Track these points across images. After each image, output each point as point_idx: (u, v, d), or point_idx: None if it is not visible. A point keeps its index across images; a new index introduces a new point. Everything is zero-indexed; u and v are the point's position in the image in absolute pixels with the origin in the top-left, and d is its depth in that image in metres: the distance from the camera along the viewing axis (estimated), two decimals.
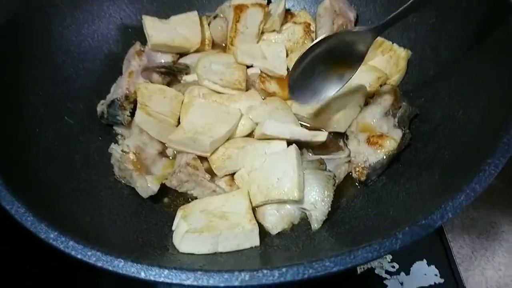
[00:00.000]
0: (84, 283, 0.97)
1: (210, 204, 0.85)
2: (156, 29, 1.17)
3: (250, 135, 1.01)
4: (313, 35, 1.19)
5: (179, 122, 1.02)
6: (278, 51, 1.15)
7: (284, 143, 0.94)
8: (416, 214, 0.66)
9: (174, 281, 0.58)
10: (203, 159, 0.95)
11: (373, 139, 0.90)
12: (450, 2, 0.95)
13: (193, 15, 1.22)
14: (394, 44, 1.07)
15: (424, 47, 1.02)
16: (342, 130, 0.99)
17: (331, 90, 0.91)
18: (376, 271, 0.97)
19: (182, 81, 1.15)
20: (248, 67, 1.13)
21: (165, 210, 0.93)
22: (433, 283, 0.95)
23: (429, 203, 0.70)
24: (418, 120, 0.96)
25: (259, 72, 1.11)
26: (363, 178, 0.89)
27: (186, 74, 1.16)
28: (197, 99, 1.04)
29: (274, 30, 1.21)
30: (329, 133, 1.00)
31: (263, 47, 1.17)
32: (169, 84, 1.15)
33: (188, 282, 0.58)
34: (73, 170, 0.91)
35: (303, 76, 0.89)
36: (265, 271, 0.57)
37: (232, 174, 0.95)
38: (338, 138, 1.00)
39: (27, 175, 0.80)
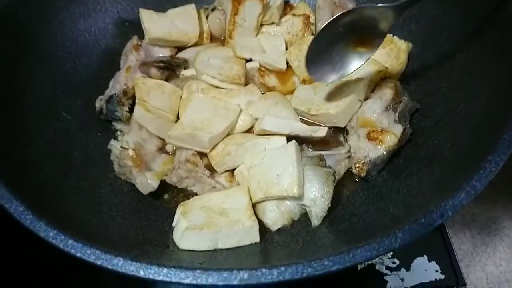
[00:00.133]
0: (83, 281, 0.97)
1: (210, 200, 0.85)
2: (154, 22, 1.16)
3: (250, 130, 1.01)
4: (312, 27, 1.18)
5: (178, 118, 1.02)
6: (277, 44, 1.14)
7: (284, 138, 0.94)
8: (416, 211, 0.66)
9: (173, 280, 0.58)
10: (203, 155, 0.95)
11: (374, 134, 0.90)
12: None
13: (191, 8, 1.21)
14: (395, 36, 1.06)
15: (425, 40, 1.01)
16: (342, 125, 0.98)
17: (349, 69, 0.89)
18: (376, 267, 0.98)
19: (180, 76, 1.14)
20: (247, 61, 1.11)
21: (165, 207, 0.93)
22: (433, 279, 0.95)
23: (429, 200, 0.70)
24: (419, 114, 0.95)
25: (258, 66, 1.10)
26: (363, 174, 0.89)
27: (185, 68, 1.15)
28: (196, 94, 1.03)
29: (273, 23, 1.19)
30: (329, 128, 0.99)
31: (262, 40, 1.16)
32: (167, 79, 1.15)
33: (187, 281, 0.58)
34: (72, 167, 0.91)
35: (322, 52, 0.87)
36: (264, 270, 0.57)
37: (232, 170, 0.95)
38: (338, 133, 0.99)
39: (26, 173, 0.80)
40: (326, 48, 0.87)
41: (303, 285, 0.78)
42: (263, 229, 0.84)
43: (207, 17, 1.25)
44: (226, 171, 0.95)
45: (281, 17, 1.20)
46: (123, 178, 0.94)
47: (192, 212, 0.82)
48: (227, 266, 0.72)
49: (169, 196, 0.96)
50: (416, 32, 1.03)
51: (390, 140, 0.88)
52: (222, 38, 1.24)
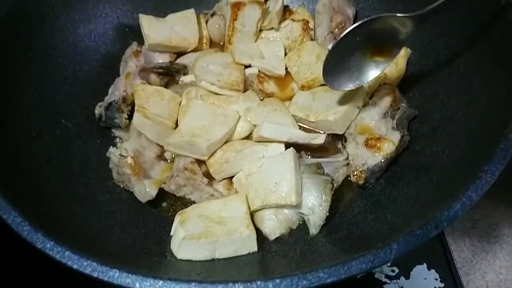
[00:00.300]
0: (83, 281, 0.97)
1: (208, 208, 0.85)
2: (153, 28, 1.16)
3: (248, 137, 1.01)
4: (311, 32, 1.18)
5: (177, 125, 1.02)
6: (276, 50, 1.14)
7: (282, 145, 0.94)
8: (414, 220, 0.66)
9: None
10: (201, 162, 0.95)
11: (371, 141, 0.90)
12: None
13: (190, 13, 1.21)
14: None
15: (424, 46, 1.00)
16: (341, 132, 0.98)
17: (366, 78, 0.90)
18: (376, 276, 0.97)
19: (180, 82, 1.14)
20: (246, 66, 1.11)
21: (164, 215, 0.93)
22: None
23: (426, 209, 0.70)
24: (417, 121, 0.95)
25: (257, 72, 1.10)
26: (361, 182, 0.89)
27: (184, 74, 1.15)
28: (194, 101, 1.03)
29: (272, 28, 1.19)
30: (328, 135, 0.99)
31: (261, 45, 1.16)
32: (167, 85, 1.15)
33: None
34: (71, 175, 0.91)
35: (339, 61, 0.88)
36: (258, 283, 0.57)
37: (231, 178, 0.95)
38: (336, 140, 0.99)
39: (24, 182, 0.80)
40: (344, 57, 0.88)
41: None
42: (261, 238, 0.84)
43: (206, 22, 1.25)
44: (224, 178, 0.95)
45: (280, 22, 1.20)
46: (121, 186, 0.95)
47: (190, 221, 0.82)
48: (225, 276, 0.73)
49: (167, 204, 0.96)
50: (415, 38, 1.02)
51: (388, 147, 0.88)
52: (222, 43, 1.24)
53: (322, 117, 0.97)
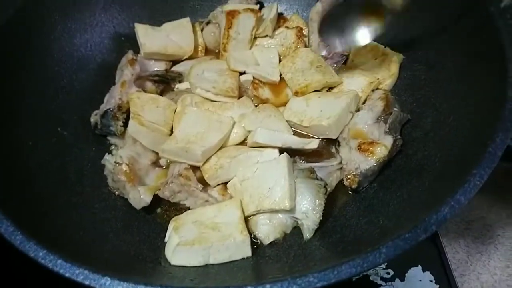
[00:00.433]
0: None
1: (203, 214, 0.86)
2: (149, 37, 1.17)
3: (243, 142, 1.01)
4: (305, 39, 1.19)
5: (172, 132, 1.03)
6: (271, 57, 1.15)
7: (276, 151, 0.94)
8: (405, 224, 0.67)
9: None
10: (196, 168, 0.96)
11: (364, 146, 0.90)
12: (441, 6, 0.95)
13: (185, 22, 1.22)
14: (386, 47, 1.07)
15: (416, 51, 1.02)
16: (334, 137, 0.98)
17: (359, 40, 0.94)
18: (371, 278, 0.98)
19: (175, 89, 1.15)
20: (241, 73, 1.12)
21: (158, 221, 0.94)
22: None
23: (418, 212, 0.70)
24: (409, 125, 0.96)
25: (252, 78, 1.11)
26: (354, 186, 0.89)
27: (179, 81, 1.17)
28: (189, 107, 1.04)
29: (266, 35, 1.21)
30: (321, 140, 1.00)
31: (255, 53, 1.17)
32: (162, 92, 1.16)
33: None
34: (67, 183, 0.92)
35: (335, 19, 0.92)
36: None
37: (225, 183, 0.96)
38: (330, 145, 1.00)
39: (18, 190, 0.81)
40: (339, 16, 0.92)
41: None
42: (255, 243, 0.85)
43: (201, 31, 1.26)
44: (219, 184, 0.95)
45: (274, 29, 1.21)
46: (116, 193, 0.95)
47: (184, 227, 0.83)
48: (218, 281, 0.73)
49: (162, 210, 0.96)
50: (407, 43, 1.04)
51: (381, 151, 0.88)
52: (217, 51, 1.25)
53: (315, 122, 0.98)
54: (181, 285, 0.61)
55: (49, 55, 1.08)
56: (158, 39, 1.18)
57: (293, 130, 1.02)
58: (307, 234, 0.84)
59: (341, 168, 0.94)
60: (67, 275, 0.60)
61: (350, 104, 0.98)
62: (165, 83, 1.17)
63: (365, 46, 1.06)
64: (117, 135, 1.05)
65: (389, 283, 0.97)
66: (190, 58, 1.22)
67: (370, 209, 0.85)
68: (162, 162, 1.02)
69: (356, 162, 0.90)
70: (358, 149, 0.91)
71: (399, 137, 0.92)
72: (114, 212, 0.91)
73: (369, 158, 0.89)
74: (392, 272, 0.98)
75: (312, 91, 1.05)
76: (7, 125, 0.90)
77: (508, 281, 1.00)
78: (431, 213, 0.60)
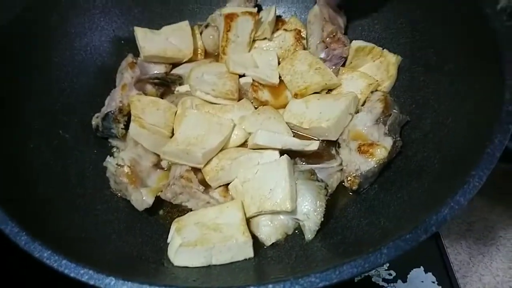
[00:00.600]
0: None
1: (204, 216, 0.87)
2: (148, 40, 1.18)
3: (244, 144, 1.02)
4: (304, 42, 1.20)
5: (173, 134, 1.03)
6: (270, 59, 1.16)
7: (277, 153, 0.95)
8: (406, 225, 0.67)
9: None
10: (197, 170, 0.96)
11: (364, 147, 0.91)
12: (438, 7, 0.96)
13: (184, 25, 1.23)
14: (385, 50, 1.08)
15: (414, 53, 1.03)
16: (334, 138, 0.99)
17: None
18: (373, 279, 0.98)
19: (175, 92, 1.16)
20: (240, 76, 1.13)
21: (161, 222, 0.95)
22: None
23: (418, 213, 0.71)
24: (409, 127, 0.97)
25: (251, 81, 1.12)
26: (355, 187, 0.90)
27: (180, 84, 1.17)
28: (190, 110, 1.05)
29: (265, 38, 1.22)
30: (321, 141, 1.00)
31: (254, 55, 1.18)
32: (162, 95, 1.17)
33: None
34: (68, 185, 0.92)
35: None
36: None
37: (226, 185, 0.96)
38: (330, 147, 1.01)
39: (21, 193, 0.81)
40: None
41: None
42: (257, 244, 0.85)
43: (200, 34, 1.27)
44: (220, 186, 0.96)
45: (273, 32, 1.22)
46: (119, 194, 0.96)
47: (187, 228, 0.83)
48: (221, 282, 0.73)
49: (164, 212, 0.97)
50: (405, 45, 1.05)
51: (380, 153, 0.89)
52: (216, 54, 1.26)
53: (315, 124, 0.98)
54: (184, 285, 0.62)
55: (49, 59, 1.09)
56: (157, 42, 1.19)
57: (293, 132, 1.03)
58: (309, 235, 0.85)
59: (342, 169, 0.95)
60: (72, 275, 0.61)
61: (349, 106, 0.99)
62: (165, 86, 1.18)
63: (364, 48, 1.08)
64: (119, 137, 1.05)
65: (391, 284, 0.97)
66: (189, 61, 1.23)
67: (371, 210, 0.86)
68: (164, 164, 1.03)
69: (356, 164, 0.91)
70: (358, 150, 0.92)
71: (398, 138, 0.93)
72: (117, 214, 0.92)
73: (369, 160, 0.90)
74: (394, 273, 0.99)
75: (312, 93, 1.06)
76: (8, 128, 0.90)
77: (510, 282, 1.01)
78: (431, 214, 0.60)
